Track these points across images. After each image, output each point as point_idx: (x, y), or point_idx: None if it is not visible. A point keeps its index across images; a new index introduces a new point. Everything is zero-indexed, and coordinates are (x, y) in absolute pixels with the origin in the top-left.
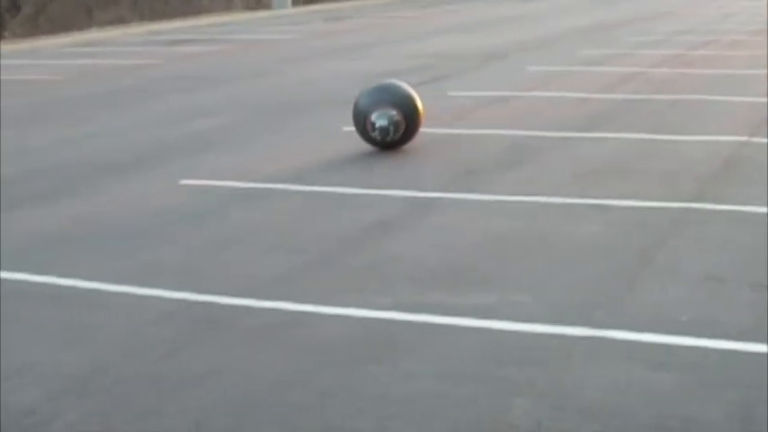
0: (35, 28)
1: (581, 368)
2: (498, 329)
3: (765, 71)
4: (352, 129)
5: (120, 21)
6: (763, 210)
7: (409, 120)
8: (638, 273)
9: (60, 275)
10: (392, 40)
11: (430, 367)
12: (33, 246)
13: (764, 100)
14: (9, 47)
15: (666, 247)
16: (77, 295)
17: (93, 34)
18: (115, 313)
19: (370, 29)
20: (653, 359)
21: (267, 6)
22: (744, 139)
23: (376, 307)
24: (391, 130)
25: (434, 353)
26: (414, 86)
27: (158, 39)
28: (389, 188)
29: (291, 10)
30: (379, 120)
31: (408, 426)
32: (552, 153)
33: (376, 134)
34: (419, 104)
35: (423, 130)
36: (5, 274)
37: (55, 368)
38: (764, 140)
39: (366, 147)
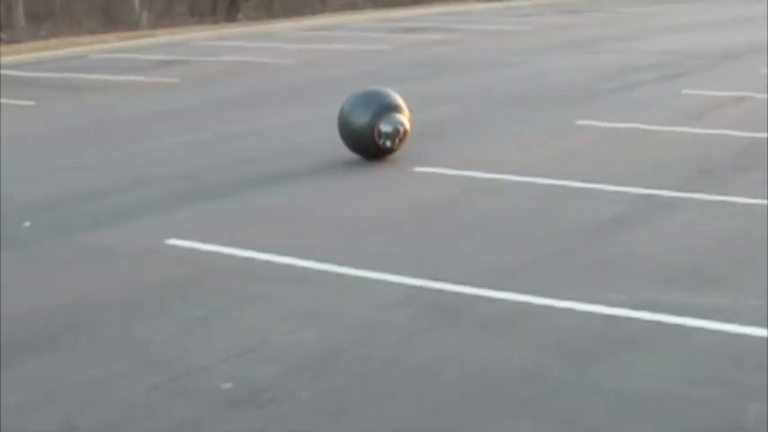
0: (269, 12)
1: None
2: (733, 332)
3: None
4: (588, 122)
5: (352, 6)
6: None
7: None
8: None
9: (300, 257)
10: (626, 35)
11: (664, 367)
12: (269, 223)
13: None
14: (242, 29)
15: None
16: (315, 277)
17: (326, 19)
18: (352, 296)
19: (604, 23)
20: None
21: None
22: None
23: (611, 303)
24: (396, 139)
25: (669, 352)
26: (648, 83)
27: (391, 26)
28: (624, 185)
29: (525, 2)
30: (385, 126)
31: (643, 425)
32: None
33: (382, 141)
34: (406, 112)
35: (661, 128)
36: (253, 254)
37: (290, 347)
38: None
39: (603, 142)
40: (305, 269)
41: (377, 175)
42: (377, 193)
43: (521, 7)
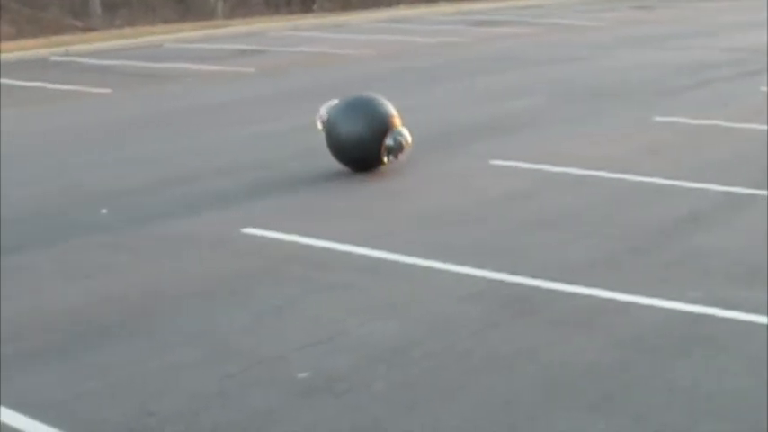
0: (344, 3)
1: None
2: None
3: None
4: (667, 119)
5: None
6: None
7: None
8: None
9: (376, 248)
10: (700, 31)
11: (742, 365)
12: (344, 214)
13: None
14: (318, 20)
15: None
16: (391, 268)
17: (402, 11)
18: (427, 288)
19: (678, 19)
20: None
21: None
22: None
23: (688, 300)
24: (399, 154)
25: (746, 350)
26: (726, 80)
27: (465, 18)
28: (702, 182)
29: None
30: (390, 140)
31: (719, 423)
32: None
33: (386, 156)
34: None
35: (739, 125)
36: (328, 244)
37: (365, 338)
38: None
39: (682, 138)
40: (381, 260)
41: (453, 167)
42: (453, 185)
43: (594, 3)
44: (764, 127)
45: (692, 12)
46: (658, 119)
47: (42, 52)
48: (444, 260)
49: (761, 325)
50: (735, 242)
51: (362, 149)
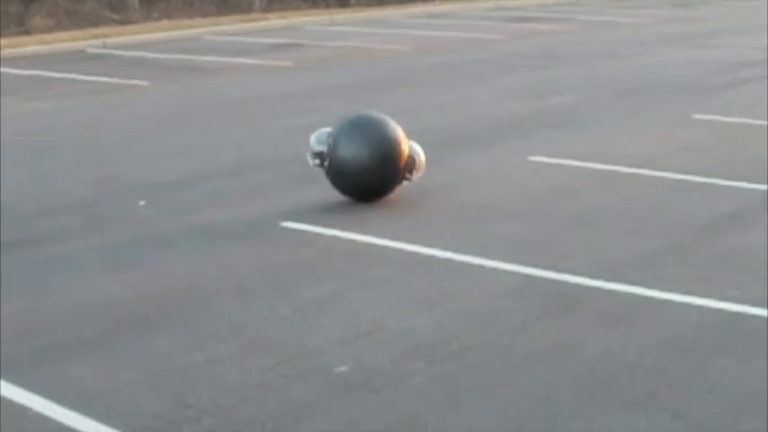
0: None
1: None
2: None
3: None
4: (705, 116)
5: None
6: None
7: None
8: None
9: (416, 243)
10: (739, 29)
11: None
12: (385, 208)
13: None
14: (355, 15)
15: None
16: (431, 263)
17: (438, 6)
18: (468, 283)
19: (717, 17)
20: None
21: None
22: None
23: (727, 299)
24: (414, 171)
25: None
26: (764, 78)
27: (503, 14)
28: (740, 180)
29: None
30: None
31: (757, 422)
32: None
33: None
34: (403, 145)
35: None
36: (368, 239)
37: (405, 332)
38: None
39: (720, 137)
40: (421, 254)
41: (492, 163)
42: (493, 181)
43: None
44: None
45: (731, 9)
46: (697, 116)
47: (80, 44)
48: (485, 256)
49: None
50: None
51: (373, 175)
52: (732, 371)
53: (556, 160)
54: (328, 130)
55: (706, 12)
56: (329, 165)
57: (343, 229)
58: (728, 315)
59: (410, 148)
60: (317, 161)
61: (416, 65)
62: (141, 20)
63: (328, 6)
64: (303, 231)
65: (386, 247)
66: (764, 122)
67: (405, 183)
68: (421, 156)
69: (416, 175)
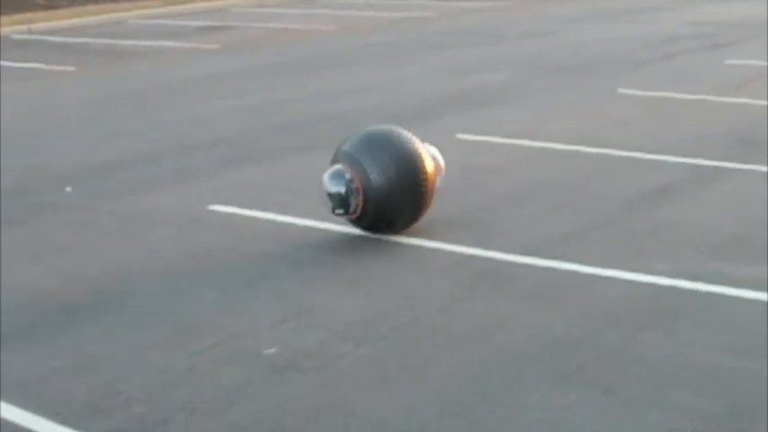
0: None
1: None
2: None
3: None
4: (631, 91)
5: None
6: None
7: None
8: None
9: (343, 223)
10: (667, 4)
11: (709, 338)
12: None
13: None
14: None
15: None
16: (359, 243)
17: None
18: (397, 263)
19: None
20: None
21: None
22: None
23: (656, 273)
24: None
25: (714, 323)
26: (691, 53)
27: None
28: (668, 154)
29: None
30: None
31: (686, 395)
32: None
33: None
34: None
35: (703, 97)
36: (295, 220)
37: (334, 313)
38: None
39: (646, 111)
40: (348, 235)
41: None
42: None
43: None
44: (729, 99)
45: None
46: (625, 92)
47: (5, 31)
48: (412, 235)
49: (728, 297)
50: (702, 215)
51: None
52: (662, 344)
53: (484, 138)
54: (338, 166)
55: None
56: (363, 201)
57: (271, 211)
58: (658, 288)
59: (429, 151)
60: (341, 210)
61: (345, 45)
62: (67, 5)
63: None
64: (231, 214)
65: (313, 228)
66: (691, 96)
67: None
68: (440, 158)
69: (440, 180)
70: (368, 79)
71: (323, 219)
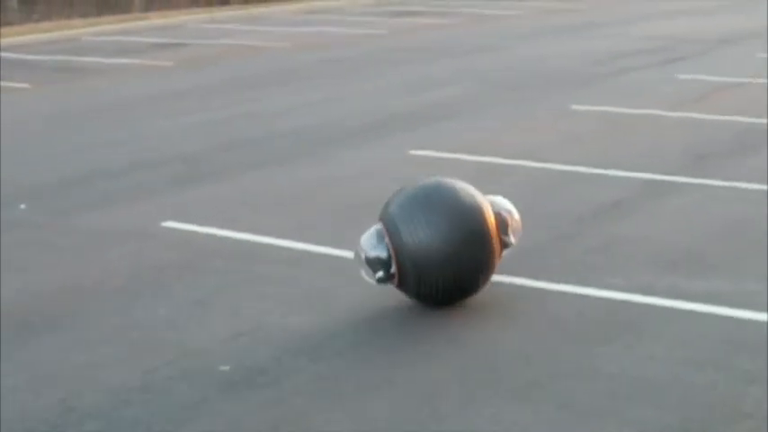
0: None
1: None
2: (733, 317)
3: None
4: (583, 107)
5: None
6: None
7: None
8: None
9: (297, 239)
10: (618, 20)
11: (664, 351)
12: (266, 206)
13: None
14: (236, 12)
15: None
16: (312, 260)
17: (320, 3)
18: (348, 280)
19: (599, 8)
20: None
21: None
22: None
23: (610, 287)
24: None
25: (668, 336)
26: (643, 68)
27: (386, 10)
28: (621, 169)
29: None
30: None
31: (642, 408)
32: None
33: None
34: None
35: (656, 112)
36: (250, 237)
37: (288, 330)
38: None
39: (599, 127)
40: (302, 251)
41: (372, 158)
42: (373, 176)
43: None
44: (682, 114)
45: (610, 1)
46: (576, 107)
47: None
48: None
49: (682, 311)
50: (654, 229)
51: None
52: (617, 358)
53: (437, 153)
54: (377, 227)
55: (585, 3)
56: (401, 267)
57: (224, 227)
58: (612, 303)
59: (494, 205)
60: (381, 274)
61: (297, 62)
62: (20, 21)
63: (209, 4)
64: (184, 231)
65: (267, 245)
66: (643, 111)
67: (506, 250)
68: (513, 211)
69: (515, 236)
70: (322, 95)
71: (279, 236)
